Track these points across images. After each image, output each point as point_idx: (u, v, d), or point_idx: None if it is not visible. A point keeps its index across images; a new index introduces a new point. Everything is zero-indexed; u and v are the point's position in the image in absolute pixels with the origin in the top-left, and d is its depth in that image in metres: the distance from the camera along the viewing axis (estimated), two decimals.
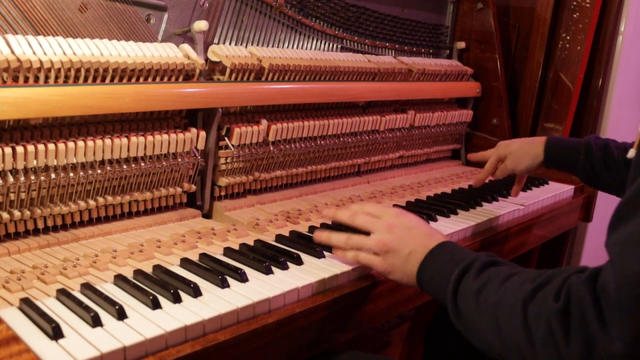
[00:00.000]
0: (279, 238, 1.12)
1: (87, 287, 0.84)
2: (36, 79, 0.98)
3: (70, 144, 1.01)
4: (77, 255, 0.98)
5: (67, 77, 1.01)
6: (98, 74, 1.04)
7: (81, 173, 1.05)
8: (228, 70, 1.24)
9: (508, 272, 0.79)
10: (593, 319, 0.63)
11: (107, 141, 1.05)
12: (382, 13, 1.75)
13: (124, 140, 1.08)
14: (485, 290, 0.77)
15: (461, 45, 2.03)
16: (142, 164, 1.13)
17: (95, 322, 0.74)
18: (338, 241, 0.99)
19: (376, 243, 0.94)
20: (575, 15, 1.96)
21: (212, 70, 1.27)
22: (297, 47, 1.51)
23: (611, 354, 0.61)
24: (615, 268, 0.63)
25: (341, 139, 1.54)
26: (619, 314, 0.61)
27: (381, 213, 0.98)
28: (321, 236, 1.01)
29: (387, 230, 0.94)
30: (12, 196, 0.98)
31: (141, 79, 1.11)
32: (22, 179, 0.98)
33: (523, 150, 1.37)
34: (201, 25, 1.21)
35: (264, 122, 1.30)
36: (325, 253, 1.05)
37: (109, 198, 1.12)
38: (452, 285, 0.81)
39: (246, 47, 1.33)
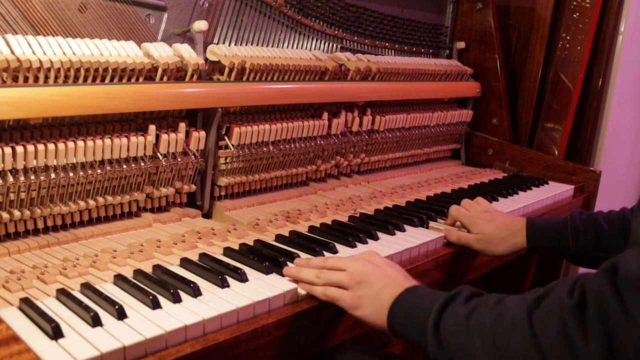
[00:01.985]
0: (279, 238, 1.12)
1: (87, 287, 0.84)
2: (36, 79, 0.98)
3: (70, 144, 1.01)
4: (77, 255, 0.98)
5: (67, 77, 1.01)
6: (98, 74, 1.05)
7: (81, 173, 1.05)
8: (227, 70, 1.24)
9: (500, 296, 0.75)
10: (614, 309, 0.59)
11: (107, 141, 1.05)
12: (382, 13, 1.75)
13: (124, 140, 1.08)
14: (477, 313, 0.73)
15: (461, 45, 2.03)
16: (142, 164, 1.13)
17: (95, 322, 0.74)
18: (307, 276, 0.91)
19: (349, 274, 0.88)
20: (575, 15, 1.97)
21: (212, 70, 1.27)
22: (297, 47, 1.51)
23: (637, 338, 0.57)
24: (638, 249, 0.60)
25: (341, 139, 1.54)
26: None
27: (354, 257, 0.94)
28: (290, 272, 0.94)
29: (362, 263, 0.90)
30: (12, 196, 0.99)
31: (141, 79, 1.11)
32: (22, 179, 0.98)
33: (500, 238, 1.19)
34: (201, 25, 1.21)
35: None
36: (325, 253, 1.05)
37: (109, 198, 1.12)
38: (434, 315, 0.76)
39: (246, 46, 1.33)
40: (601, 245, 1.13)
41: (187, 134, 1.19)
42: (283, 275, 0.94)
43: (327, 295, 0.89)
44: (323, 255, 1.04)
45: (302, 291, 0.91)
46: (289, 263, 0.98)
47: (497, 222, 1.20)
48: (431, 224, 1.29)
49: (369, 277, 0.87)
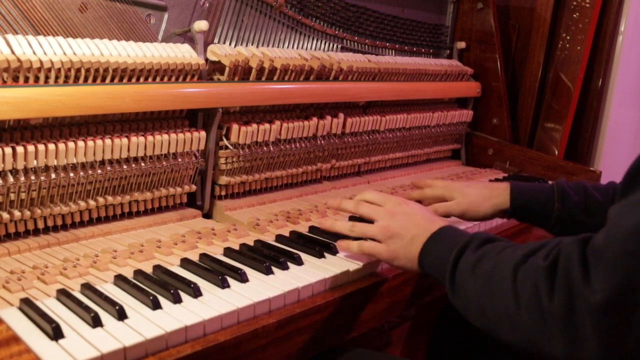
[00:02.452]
0: (279, 238, 1.12)
1: (87, 287, 0.83)
2: (36, 79, 0.98)
3: (70, 144, 1.01)
4: (77, 255, 0.98)
5: (67, 77, 1.01)
6: (98, 74, 1.04)
7: (81, 173, 1.05)
8: (227, 70, 1.24)
9: (505, 245, 0.81)
10: (577, 275, 0.64)
11: (107, 141, 1.05)
12: (382, 13, 1.75)
13: (124, 140, 1.08)
14: (482, 262, 0.79)
15: (461, 45, 2.02)
16: (142, 164, 1.13)
17: (96, 322, 0.74)
18: (342, 228, 1.02)
19: (380, 230, 0.96)
20: (575, 15, 1.96)
21: (212, 70, 1.27)
22: (297, 47, 1.51)
23: (590, 305, 0.62)
24: (609, 225, 0.65)
25: (341, 139, 1.54)
26: (603, 267, 0.62)
27: (383, 201, 1.01)
28: (325, 223, 1.05)
29: (390, 217, 0.97)
30: (12, 196, 0.98)
31: (141, 79, 1.11)
32: (22, 179, 0.98)
33: (483, 198, 1.17)
34: (201, 25, 1.21)
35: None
36: (325, 253, 1.05)
37: (109, 198, 1.11)
38: (451, 262, 0.83)
39: (246, 46, 1.33)
40: (588, 210, 1.12)
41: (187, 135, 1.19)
42: (283, 275, 0.94)
43: (363, 250, 0.98)
44: (324, 257, 1.03)
45: (302, 291, 0.91)
46: (289, 263, 0.98)
47: (476, 185, 1.22)
48: None
49: (398, 231, 0.94)
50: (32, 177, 0.99)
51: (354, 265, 1.00)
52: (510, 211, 1.17)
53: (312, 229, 1.19)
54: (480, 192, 1.18)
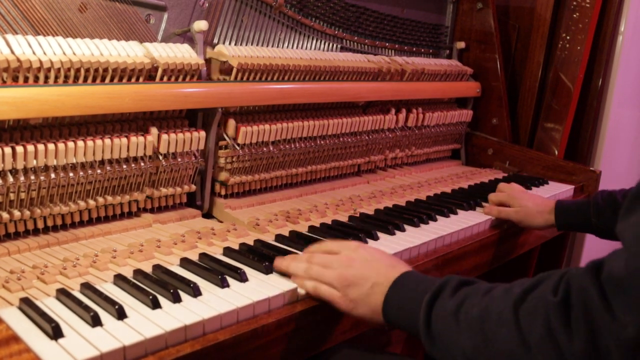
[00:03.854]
0: (279, 238, 1.12)
1: (87, 287, 0.84)
2: (36, 79, 0.98)
3: (70, 144, 1.01)
4: (77, 255, 0.98)
5: (67, 77, 1.01)
6: (98, 74, 1.05)
7: (81, 173, 1.05)
8: (234, 71, 1.24)
9: (488, 286, 0.74)
10: (598, 308, 0.59)
11: (107, 141, 1.05)
12: (382, 13, 1.75)
13: (124, 140, 1.08)
14: (465, 307, 0.73)
15: (461, 45, 2.03)
16: (142, 164, 1.13)
17: (95, 321, 0.74)
18: (297, 270, 0.92)
19: (337, 277, 0.88)
20: (575, 15, 1.96)
21: (212, 70, 1.27)
22: (297, 47, 1.51)
23: (623, 340, 0.57)
24: (626, 248, 0.61)
25: (341, 139, 1.54)
26: (628, 299, 0.58)
27: (339, 249, 0.93)
28: (281, 264, 0.95)
29: (347, 264, 0.89)
30: (12, 196, 0.99)
31: (141, 79, 1.11)
32: (22, 179, 0.98)
33: (537, 211, 1.35)
34: (201, 25, 1.21)
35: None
36: None
37: (109, 198, 1.12)
38: (424, 309, 0.76)
39: (246, 46, 1.33)
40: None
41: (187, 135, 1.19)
42: (283, 275, 0.94)
43: (319, 294, 0.89)
44: None
45: (302, 291, 0.91)
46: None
47: (534, 199, 1.38)
48: (431, 224, 1.29)
49: (356, 279, 0.86)
50: (32, 177, 0.99)
51: None
52: (557, 227, 1.35)
53: (311, 228, 1.19)
54: (536, 207, 1.35)
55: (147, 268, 0.94)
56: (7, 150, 0.94)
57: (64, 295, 0.81)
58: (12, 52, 0.94)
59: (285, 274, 0.94)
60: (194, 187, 1.25)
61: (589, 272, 0.62)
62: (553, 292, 0.64)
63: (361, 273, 0.87)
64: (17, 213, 0.99)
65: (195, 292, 0.85)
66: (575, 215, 1.32)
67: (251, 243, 1.08)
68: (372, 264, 0.88)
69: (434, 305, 0.76)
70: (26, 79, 0.97)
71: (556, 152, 1.99)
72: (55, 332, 0.71)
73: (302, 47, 1.53)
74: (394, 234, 1.20)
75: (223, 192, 1.32)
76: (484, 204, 1.45)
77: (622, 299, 0.58)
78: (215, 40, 1.32)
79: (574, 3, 1.96)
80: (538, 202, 1.37)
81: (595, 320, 0.60)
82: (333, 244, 0.95)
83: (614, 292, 0.59)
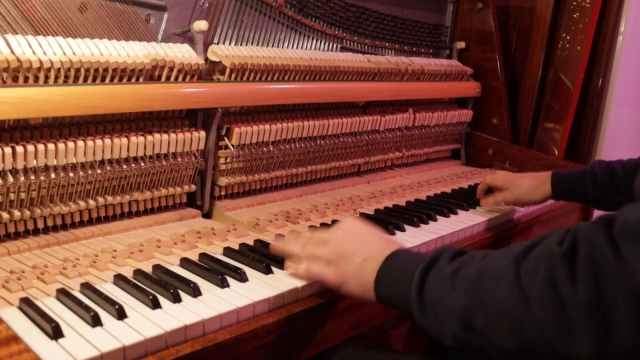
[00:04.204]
0: (279, 238, 1.12)
1: (87, 287, 0.84)
2: (36, 79, 0.98)
3: (70, 144, 1.01)
4: (77, 255, 0.98)
5: (67, 77, 1.01)
6: (98, 74, 1.05)
7: (81, 173, 1.05)
8: (228, 70, 1.24)
9: (485, 252, 0.72)
10: (606, 256, 0.57)
11: (107, 141, 1.05)
12: (382, 13, 1.75)
13: (124, 140, 1.08)
14: (463, 271, 0.70)
15: (461, 45, 2.03)
16: (142, 164, 1.13)
17: (95, 321, 0.74)
18: (293, 249, 0.93)
19: (329, 251, 0.86)
20: (575, 15, 1.96)
21: (212, 70, 1.27)
22: (297, 47, 1.51)
23: (632, 287, 0.55)
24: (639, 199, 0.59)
25: (341, 139, 1.54)
26: None
27: (337, 228, 0.91)
28: (277, 247, 0.96)
29: (341, 237, 0.87)
30: (12, 196, 0.98)
31: (141, 79, 1.11)
32: (22, 179, 0.98)
33: (532, 187, 1.37)
34: (201, 25, 1.21)
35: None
36: None
37: (109, 198, 1.12)
38: (417, 279, 0.74)
39: (246, 46, 1.33)
40: (616, 188, 1.24)
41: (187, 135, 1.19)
42: (283, 274, 0.94)
43: (310, 274, 0.88)
44: None
45: (300, 286, 0.91)
46: (289, 263, 0.98)
47: (527, 176, 1.39)
48: (431, 224, 1.29)
49: (349, 253, 0.84)
50: (32, 177, 0.99)
51: None
52: (553, 196, 1.36)
53: (311, 228, 1.19)
54: (531, 183, 1.37)
55: (147, 268, 0.94)
56: (7, 150, 0.94)
57: (64, 295, 0.81)
58: (12, 52, 0.94)
59: (284, 273, 0.94)
60: (194, 187, 1.25)
61: (600, 224, 0.61)
62: (558, 243, 0.62)
63: (354, 247, 0.84)
64: (17, 213, 0.99)
65: (196, 292, 0.85)
66: (571, 183, 1.32)
67: (251, 243, 1.08)
68: (366, 239, 0.86)
69: (427, 274, 0.74)
70: (26, 79, 0.97)
71: (556, 152, 1.99)
72: (55, 332, 0.71)
73: (302, 47, 1.53)
74: (394, 234, 1.20)
75: (223, 193, 1.32)
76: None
77: (633, 246, 0.56)
78: (216, 40, 1.32)
79: (574, 3, 1.96)
80: (532, 177, 1.39)
81: (602, 268, 0.57)
82: (331, 228, 0.93)
83: (624, 239, 0.57)
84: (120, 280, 0.87)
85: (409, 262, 0.78)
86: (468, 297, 0.68)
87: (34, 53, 0.97)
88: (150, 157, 1.14)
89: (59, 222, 1.07)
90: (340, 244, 0.86)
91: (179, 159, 1.19)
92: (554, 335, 0.60)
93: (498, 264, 0.67)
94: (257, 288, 0.88)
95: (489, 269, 0.67)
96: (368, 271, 0.81)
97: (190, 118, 1.23)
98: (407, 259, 0.80)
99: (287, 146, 1.39)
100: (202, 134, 1.20)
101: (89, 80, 1.04)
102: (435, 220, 1.32)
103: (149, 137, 1.11)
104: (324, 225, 1.21)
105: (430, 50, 1.99)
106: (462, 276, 0.70)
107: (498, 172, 1.50)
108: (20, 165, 0.95)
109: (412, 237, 1.18)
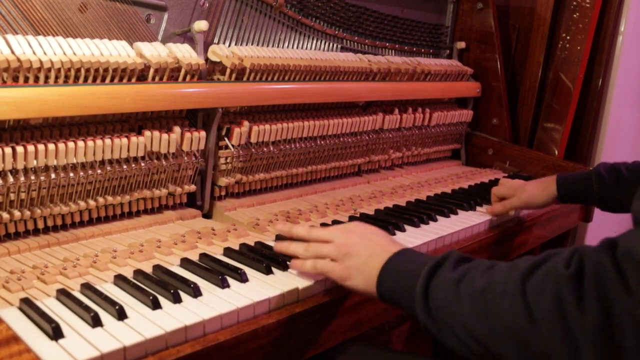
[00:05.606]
0: (279, 238, 1.12)
1: (87, 287, 0.83)
2: (36, 79, 0.98)
3: (70, 144, 1.01)
4: (77, 255, 0.98)
5: (67, 77, 1.01)
6: (98, 74, 1.04)
7: (81, 173, 1.05)
8: (228, 70, 1.24)
9: (490, 262, 0.73)
10: (614, 282, 0.58)
11: (107, 141, 1.05)
12: (382, 13, 1.75)
13: (124, 140, 1.08)
14: (467, 279, 0.71)
15: (461, 45, 2.03)
16: (142, 164, 1.13)
17: (95, 322, 0.74)
18: (296, 249, 0.95)
19: (335, 247, 0.89)
20: (575, 15, 1.96)
21: (212, 70, 1.27)
22: (297, 47, 1.51)
23: (639, 317, 0.56)
24: None
25: (341, 139, 1.54)
26: None
27: (337, 227, 0.94)
28: (281, 246, 0.98)
29: (346, 234, 0.90)
30: (12, 196, 0.98)
31: (136, 79, 1.11)
32: (22, 179, 0.98)
33: (539, 190, 1.38)
34: (201, 25, 1.21)
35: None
36: None
37: (109, 198, 1.11)
38: (423, 280, 0.75)
39: (246, 46, 1.33)
40: (622, 188, 1.26)
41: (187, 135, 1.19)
42: (283, 275, 0.94)
43: (317, 269, 0.90)
44: None
45: (301, 287, 0.91)
46: (289, 263, 0.98)
47: (532, 182, 1.41)
48: (431, 224, 1.29)
49: (355, 248, 0.87)
50: (32, 177, 0.99)
51: None
52: (559, 198, 1.36)
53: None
54: (537, 187, 1.38)
55: (148, 268, 0.93)
56: (7, 150, 0.94)
57: (64, 295, 0.80)
58: (12, 52, 0.94)
59: (284, 273, 0.94)
60: (194, 187, 1.25)
61: (604, 248, 0.61)
62: (565, 265, 0.63)
63: (361, 243, 0.87)
64: (17, 213, 0.99)
65: (196, 292, 0.85)
66: (576, 184, 1.33)
67: (251, 243, 1.08)
68: (372, 237, 0.89)
69: (433, 276, 0.75)
70: (26, 79, 0.97)
71: (556, 152, 1.99)
72: (55, 333, 0.70)
73: (302, 47, 1.53)
74: (394, 234, 1.19)
75: (223, 193, 1.32)
76: (484, 205, 1.45)
77: (638, 275, 0.57)
78: (216, 41, 1.32)
79: (574, 3, 1.96)
80: (537, 182, 1.40)
81: (610, 295, 0.58)
82: (331, 229, 0.95)
83: (631, 266, 0.58)
84: (120, 280, 0.87)
85: (414, 262, 0.80)
86: (473, 306, 0.69)
87: (34, 53, 0.96)
88: (150, 157, 1.14)
89: (59, 222, 1.07)
90: (345, 241, 0.89)
91: (179, 159, 1.19)
92: (557, 353, 0.61)
93: (504, 277, 0.68)
94: (258, 288, 0.88)
95: (495, 282, 0.68)
96: (373, 266, 0.83)
97: (191, 118, 1.22)
98: (413, 259, 0.81)
99: (287, 146, 1.39)
100: (202, 134, 1.20)
101: (89, 80, 1.04)
102: (436, 220, 1.32)
103: (149, 137, 1.11)
104: (324, 225, 1.21)
105: (431, 51, 1.99)
106: (466, 285, 0.71)
107: (502, 180, 1.49)
108: (20, 165, 0.95)
109: (412, 237, 1.18)
